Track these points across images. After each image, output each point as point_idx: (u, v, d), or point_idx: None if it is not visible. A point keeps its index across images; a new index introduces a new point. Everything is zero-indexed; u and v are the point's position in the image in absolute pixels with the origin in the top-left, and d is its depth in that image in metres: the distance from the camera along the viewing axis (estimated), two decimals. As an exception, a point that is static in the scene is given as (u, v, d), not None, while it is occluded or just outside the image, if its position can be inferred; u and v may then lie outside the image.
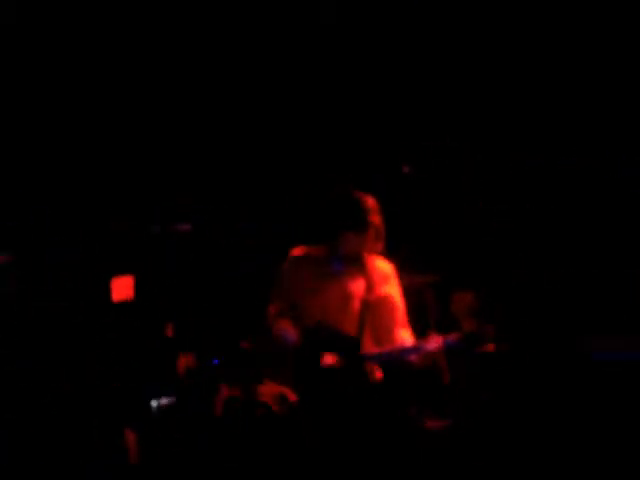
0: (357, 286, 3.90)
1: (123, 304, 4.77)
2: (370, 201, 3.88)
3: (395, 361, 3.75)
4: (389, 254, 4.04)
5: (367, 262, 3.92)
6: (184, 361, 4.56)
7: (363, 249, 3.89)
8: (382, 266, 3.99)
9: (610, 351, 4.31)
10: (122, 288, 4.80)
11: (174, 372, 4.56)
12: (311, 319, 3.85)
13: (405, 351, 3.75)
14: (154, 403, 4.42)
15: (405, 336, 3.87)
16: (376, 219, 3.85)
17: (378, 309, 3.89)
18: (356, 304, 3.87)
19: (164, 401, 4.43)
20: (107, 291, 4.74)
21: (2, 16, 4.95)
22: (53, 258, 4.77)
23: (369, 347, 3.82)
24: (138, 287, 4.79)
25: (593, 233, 4.81)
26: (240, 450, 3.72)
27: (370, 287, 3.87)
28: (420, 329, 3.90)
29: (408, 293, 4.05)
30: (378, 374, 3.85)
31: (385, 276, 3.97)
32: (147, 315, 4.81)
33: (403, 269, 4.09)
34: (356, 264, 3.93)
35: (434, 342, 3.65)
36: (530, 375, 4.35)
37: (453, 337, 3.63)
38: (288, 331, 3.86)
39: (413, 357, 3.73)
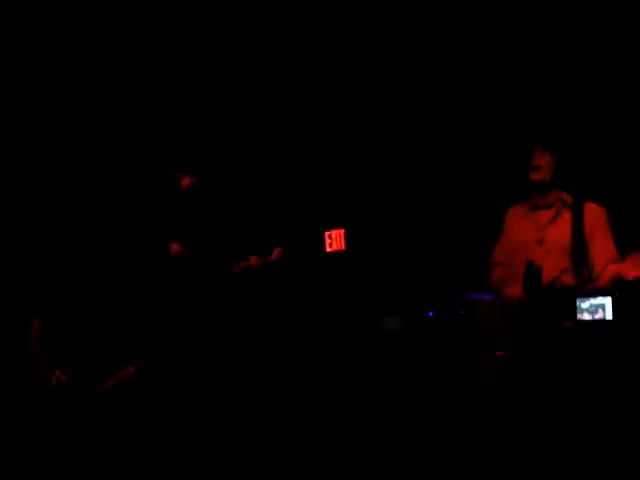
0: (568, 232, 3.98)
1: (336, 254, 5.21)
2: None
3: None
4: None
5: (578, 207, 4.00)
6: None
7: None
8: (591, 211, 4.01)
9: None
10: (335, 240, 5.22)
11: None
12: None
13: None
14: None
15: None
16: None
17: (590, 255, 3.94)
18: (567, 252, 3.94)
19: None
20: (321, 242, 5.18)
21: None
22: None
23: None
24: (349, 238, 5.20)
25: None
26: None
27: (581, 232, 3.94)
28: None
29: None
30: None
31: (593, 221, 3.99)
32: (358, 264, 5.24)
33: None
34: (565, 210, 4.03)
35: None
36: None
37: None
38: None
39: None
